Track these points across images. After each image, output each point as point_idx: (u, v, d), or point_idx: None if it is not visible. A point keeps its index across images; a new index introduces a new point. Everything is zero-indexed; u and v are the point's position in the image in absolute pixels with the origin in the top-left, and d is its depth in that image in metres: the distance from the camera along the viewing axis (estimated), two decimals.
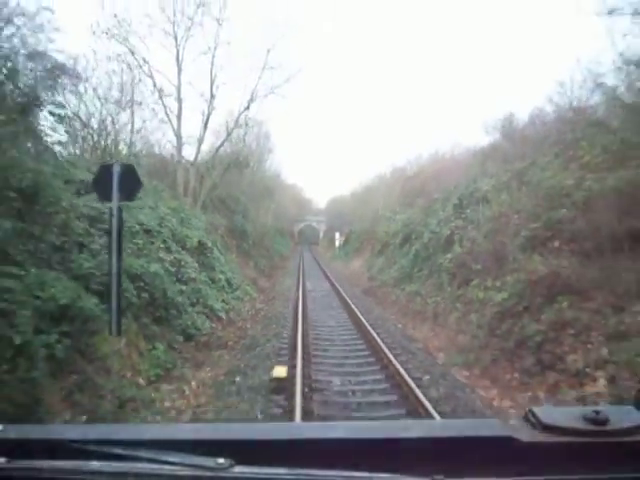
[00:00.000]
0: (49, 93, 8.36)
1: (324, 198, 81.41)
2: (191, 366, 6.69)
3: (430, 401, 4.91)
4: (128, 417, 4.60)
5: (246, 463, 0.75)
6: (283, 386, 5.44)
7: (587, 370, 5.26)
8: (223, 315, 9.20)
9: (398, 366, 6.15)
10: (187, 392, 5.73)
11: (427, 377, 6.08)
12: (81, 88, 11.82)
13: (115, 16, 14.22)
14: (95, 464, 0.76)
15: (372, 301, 13.44)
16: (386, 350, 6.94)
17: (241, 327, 9.36)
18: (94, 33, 13.86)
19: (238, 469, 0.74)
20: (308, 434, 0.86)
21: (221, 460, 0.74)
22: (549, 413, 0.80)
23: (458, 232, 10.95)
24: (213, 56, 16.08)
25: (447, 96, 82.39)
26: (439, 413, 4.57)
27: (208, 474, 0.74)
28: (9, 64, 7.11)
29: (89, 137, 12.65)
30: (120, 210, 4.59)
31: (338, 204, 58.68)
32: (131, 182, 4.74)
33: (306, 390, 5.33)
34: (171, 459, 0.75)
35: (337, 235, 41.89)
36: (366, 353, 7.34)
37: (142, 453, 0.76)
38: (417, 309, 10.66)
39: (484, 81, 62.20)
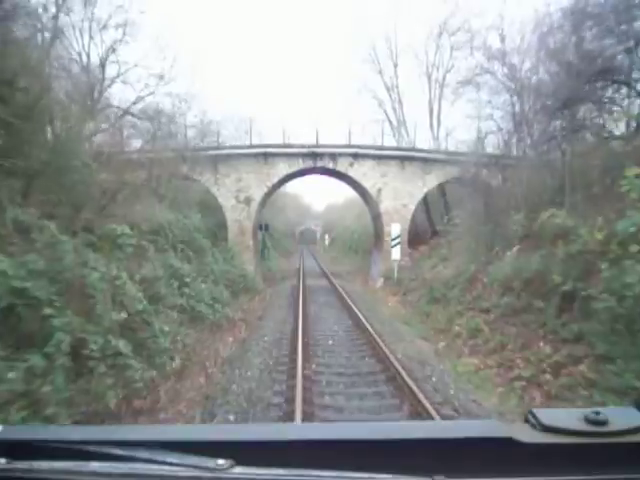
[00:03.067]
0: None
1: (323, 202, 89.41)
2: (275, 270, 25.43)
3: (332, 275, 23.58)
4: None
5: (246, 464, 0.75)
6: (298, 268, 24.41)
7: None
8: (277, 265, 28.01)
9: (327, 272, 24.82)
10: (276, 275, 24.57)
11: (332, 272, 24.88)
12: None
13: None
14: (95, 465, 0.76)
15: (330, 264, 32.18)
16: (326, 270, 25.73)
17: (283, 268, 28.12)
18: None
19: (238, 470, 0.75)
20: (308, 435, 0.86)
21: (221, 461, 0.75)
22: (549, 414, 0.81)
23: (357, 235, 29.80)
24: None
25: None
26: (333, 275, 23.18)
27: (208, 475, 0.74)
28: None
29: None
30: (264, 234, 23.43)
31: (332, 210, 68.70)
32: (267, 227, 23.64)
33: (301, 263, 24.31)
34: (171, 460, 0.75)
35: (326, 237, 60.76)
36: (318, 269, 26.45)
37: (142, 454, 0.76)
38: (344, 262, 29.51)
39: None
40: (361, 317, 10.52)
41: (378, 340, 8.32)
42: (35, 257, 4.88)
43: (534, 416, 0.81)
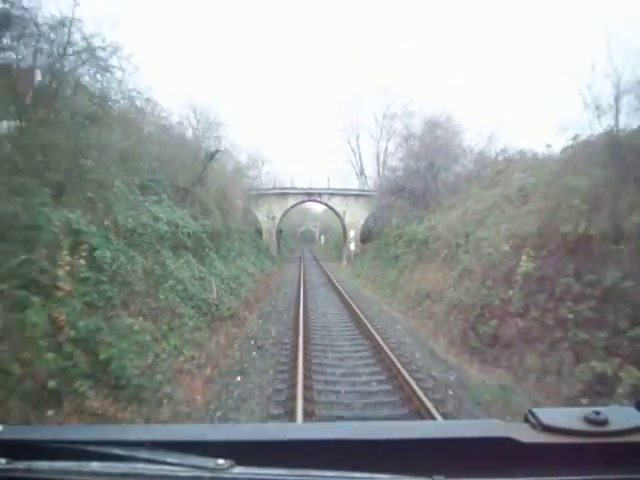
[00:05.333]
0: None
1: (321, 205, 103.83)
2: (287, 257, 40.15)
3: (320, 260, 38.29)
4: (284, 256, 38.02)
5: (246, 464, 0.75)
6: (299, 257, 39.28)
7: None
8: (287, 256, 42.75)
9: (318, 258, 39.50)
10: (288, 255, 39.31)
11: (320, 259, 39.63)
12: None
13: None
14: (95, 465, 0.76)
15: (322, 255, 46.73)
16: (317, 256, 40.50)
17: (291, 257, 42.81)
18: None
19: (238, 470, 0.74)
20: (308, 435, 0.86)
21: (221, 461, 0.75)
22: (549, 414, 0.80)
23: (340, 236, 44.64)
24: None
25: None
26: (321, 260, 37.81)
27: (208, 475, 0.74)
28: None
29: None
30: (280, 235, 38.18)
31: (329, 212, 80.00)
32: (281, 231, 38.38)
33: (302, 254, 39.17)
34: (171, 460, 0.75)
35: (322, 237, 75.45)
36: (310, 255, 41.71)
37: (142, 454, 0.76)
38: (330, 253, 44.27)
39: None
40: (327, 272, 25.25)
41: (330, 275, 23.04)
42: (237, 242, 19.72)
43: (534, 416, 0.80)
